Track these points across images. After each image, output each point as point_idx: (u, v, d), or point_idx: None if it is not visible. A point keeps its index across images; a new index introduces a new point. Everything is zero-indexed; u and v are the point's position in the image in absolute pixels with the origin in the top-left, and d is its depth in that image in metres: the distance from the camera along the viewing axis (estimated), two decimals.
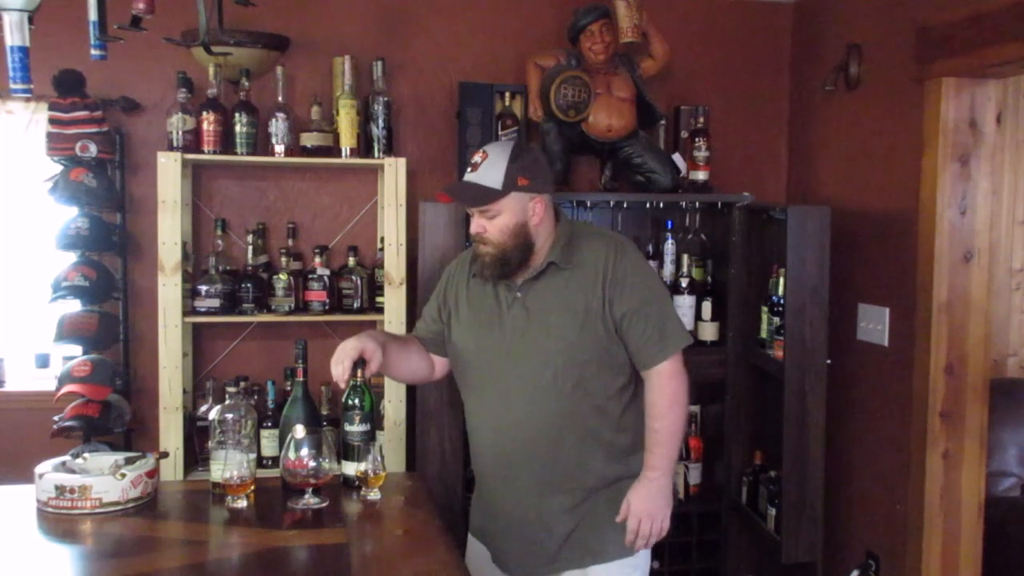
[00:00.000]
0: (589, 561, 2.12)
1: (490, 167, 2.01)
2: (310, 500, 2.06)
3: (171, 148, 2.92)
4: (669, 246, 3.27)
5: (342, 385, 2.09)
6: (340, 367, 1.99)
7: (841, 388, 3.16)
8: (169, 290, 2.86)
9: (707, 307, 3.22)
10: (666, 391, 2.07)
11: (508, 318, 2.10)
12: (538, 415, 2.07)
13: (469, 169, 2.07)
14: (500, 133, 3.22)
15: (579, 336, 2.05)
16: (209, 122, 2.93)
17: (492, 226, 2.03)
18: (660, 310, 2.09)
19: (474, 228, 2.06)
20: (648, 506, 2.08)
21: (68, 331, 2.95)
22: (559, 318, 2.06)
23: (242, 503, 2.07)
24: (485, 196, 2.00)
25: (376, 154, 3.03)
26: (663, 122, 3.37)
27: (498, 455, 2.15)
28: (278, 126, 3.00)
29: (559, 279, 2.08)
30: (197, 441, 2.95)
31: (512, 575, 2.20)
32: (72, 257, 2.97)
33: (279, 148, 3.01)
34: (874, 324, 3.04)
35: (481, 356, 2.14)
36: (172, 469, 2.86)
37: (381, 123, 3.04)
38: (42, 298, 2.98)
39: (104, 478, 2.03)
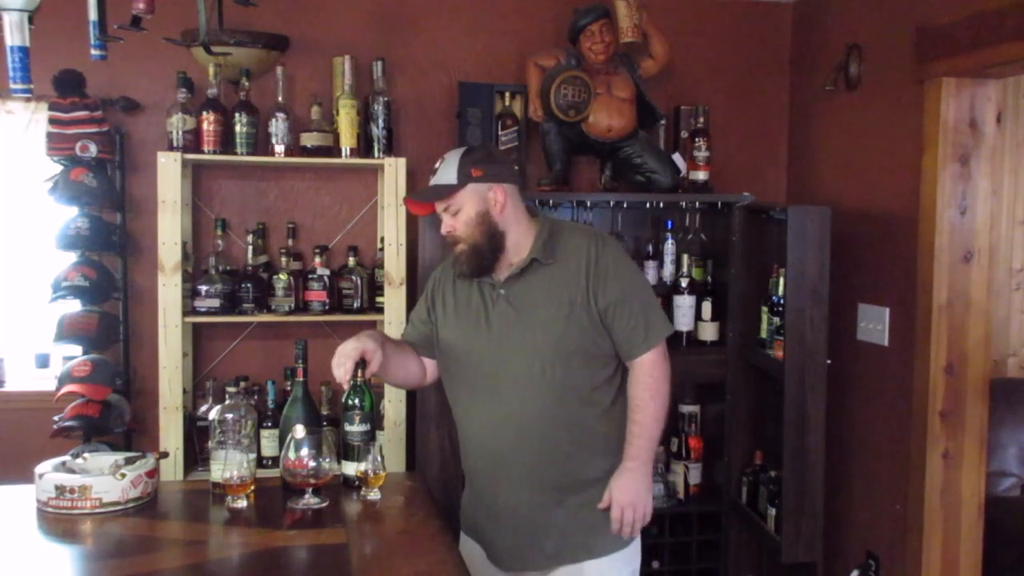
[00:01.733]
0: (584, 556, 2.13)
1: (446, 168, 2.11)
2: (310, 500, 2.07)
3: (171, 148, 2.92)
4: (669, 246, 3.27)
5: (345, 387, 2.11)
6: (342, 369, 2.01)
7: (841, 388, 3.15)
8: (169, 290, 2.86)
9: (707, 307, 3.22)
10: (648, 382, 2.12)
11: (494, 315, 2.13)
12: (528, 409, 2.09)
13: (431, 176, 2.15)
14: (500, 133, 3.22)
15: (565, 329, 2.08)
16: (209, 122, 2.93)
17: (458, 222, 2.11)
18: (643, 301, 2.14)
19: (443, 229, 2.15)
20: (630, 496, 2.11)
21: (68, 331, 2.95)
22: (545, 312, 2.09)
23: (242, 503, 2.07)
24: (442, 191, 2.10)
25: (376, 154, 3.04)
26: (663, 122, 3.37)
27: (489, 451, 2.16)
28: (278, 126, 3.00)
29: (542, 274, 2.12)
30: (197, 441, 2.95)
31: (508, 571, 2.20)
32: (72, 257, 2.98)
33: (279, 148, 3.01)
34: (874, 324, 3.04)
35: (469, 354, 2.17)
36: (172, 469, 2.86)
37: (381, 123, 3.04)
38: (42, 298, 2.98)
39: (104, 478, 2.03)
